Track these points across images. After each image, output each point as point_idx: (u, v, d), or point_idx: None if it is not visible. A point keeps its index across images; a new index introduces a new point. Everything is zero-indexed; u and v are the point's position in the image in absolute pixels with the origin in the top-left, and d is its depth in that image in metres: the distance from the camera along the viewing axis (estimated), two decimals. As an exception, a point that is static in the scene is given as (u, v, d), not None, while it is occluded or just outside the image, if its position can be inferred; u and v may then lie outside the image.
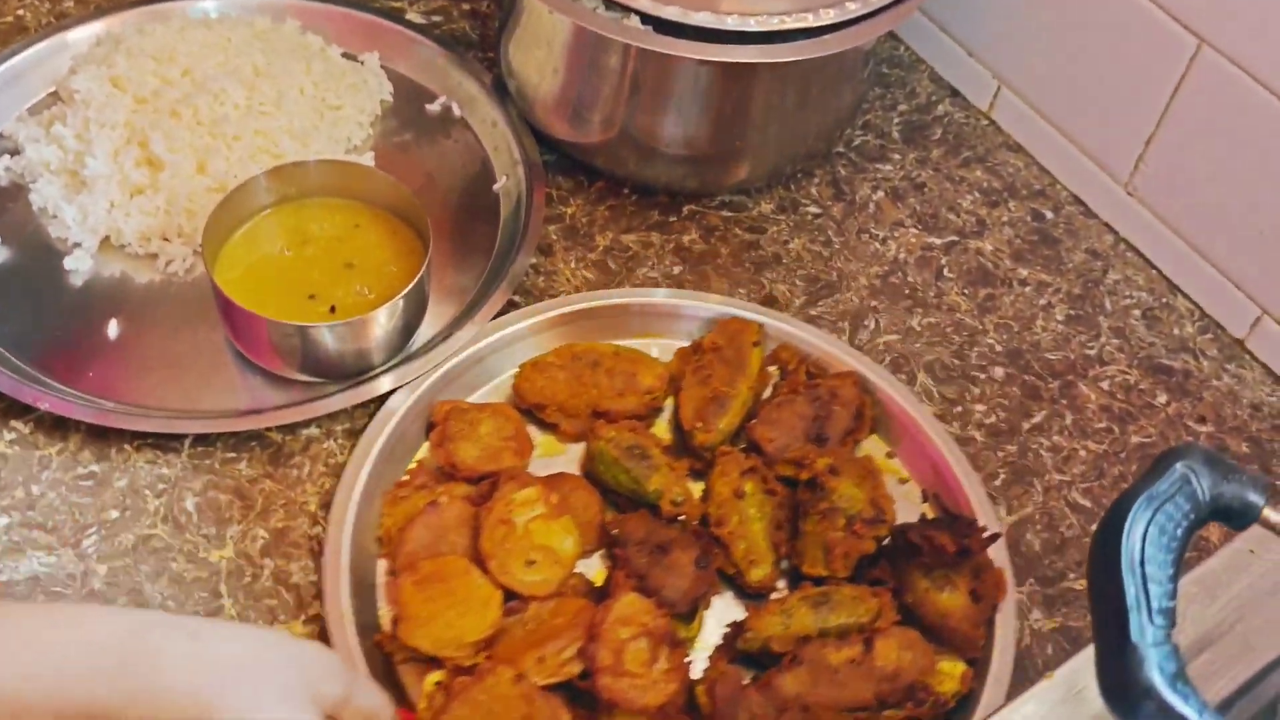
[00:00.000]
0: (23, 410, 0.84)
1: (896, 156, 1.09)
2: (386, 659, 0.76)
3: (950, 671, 0.76)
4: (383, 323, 0.85)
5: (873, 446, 0.88)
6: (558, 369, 0.88)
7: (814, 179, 1.06)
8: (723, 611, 0.80)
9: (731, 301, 0.94)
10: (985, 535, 0.77)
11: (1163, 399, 0.95)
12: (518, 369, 0.89)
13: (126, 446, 0.84)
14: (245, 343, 0.87)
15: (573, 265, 0.98)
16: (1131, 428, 0.93)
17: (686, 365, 0.89)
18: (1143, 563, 0.44)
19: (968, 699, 0.76)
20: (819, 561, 0.79)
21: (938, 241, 1.03)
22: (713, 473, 0.83)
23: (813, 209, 1.05)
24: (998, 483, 0.89)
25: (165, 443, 0.84)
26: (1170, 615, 0.44)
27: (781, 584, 0.82)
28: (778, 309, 0.97)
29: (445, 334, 0.90)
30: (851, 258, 1.01)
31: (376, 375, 0.87)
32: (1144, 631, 0.43)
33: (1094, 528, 0.48)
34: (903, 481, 0.87)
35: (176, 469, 0.83)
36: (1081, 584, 0.84)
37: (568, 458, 0.87)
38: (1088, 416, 0.94)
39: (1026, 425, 0.93)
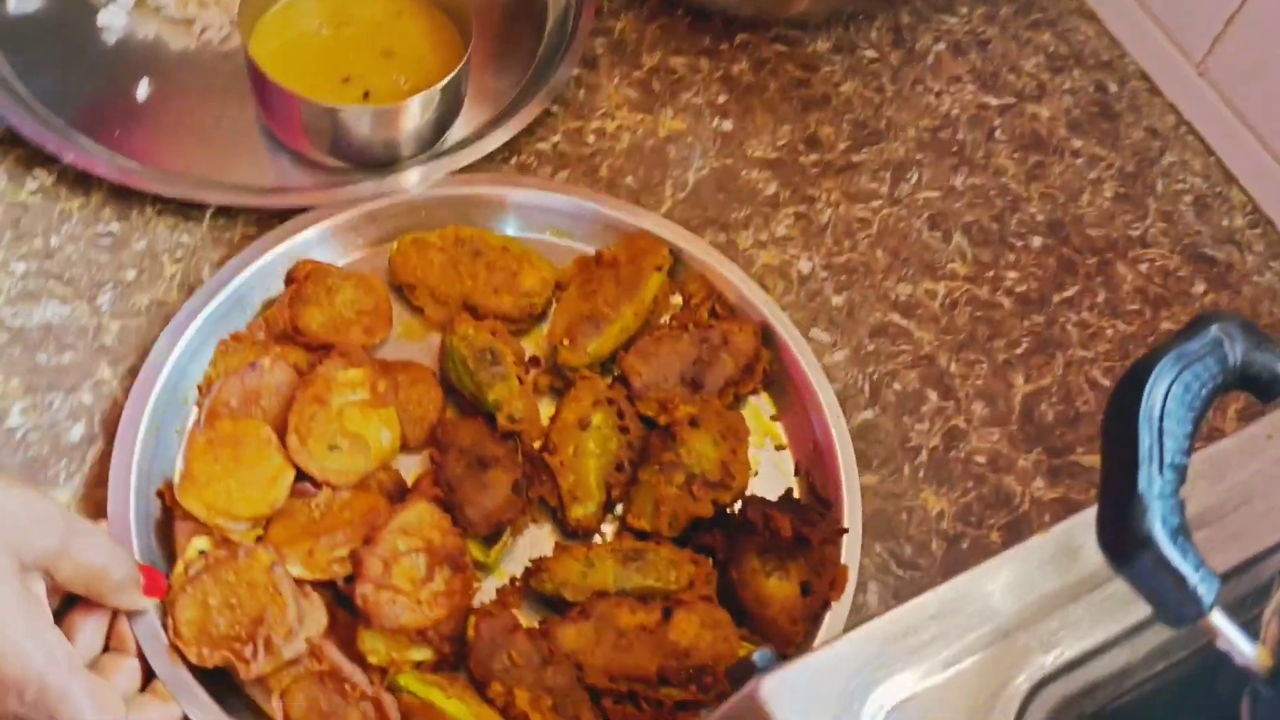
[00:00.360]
0: (47, 160, 0.83)
1: (964, 10, 1.05)
2: (167, 514, 0.72)
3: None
4: (416, 114, 0.83)
5: (759, 405, 0.82)
6: (437, 250, 0.81)
7: (875, 23, 1.02)
8: (537, 546, 0.75)
9: (655, 219, 0.85)
10: (829, 528, 0.72)
11: (1200, 288, 0.93)
12: (395, 242, 0.82)
13: (148, 209, 0.83)
14: (275, 120, 0.85)
15: (616, 82, 0.95)
16: (1164, 313, 0.91)
17: (578, 276, 0.82)
18: (1162, 417, 0.43)
19: None
20: (645, 515, 0.73)
21: (994, 102, 1.00)
22: (565, 396, 0.77)
23: (869, 53, 1.01)
24: (1019, 351, 0.88)
25: (187, 210, 0.83)
26: (1181, 472, 0.43)
27: (608, 529, 0.76)
28: (820, 151, 0.94)
29: (477, 135, 0.88)
30: (903, 108, 0.98)
31: (403, 168, 0.85)
32: (1151, 483, 0.42)
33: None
34: (780, 448, 0.81)
35: (196, 238, 0.82)
36: (1089, 459, 0.84)
37: (427, 346, 0.80)
38: (1121, 297, 0.91)
39: (1057, 298, 0.91)
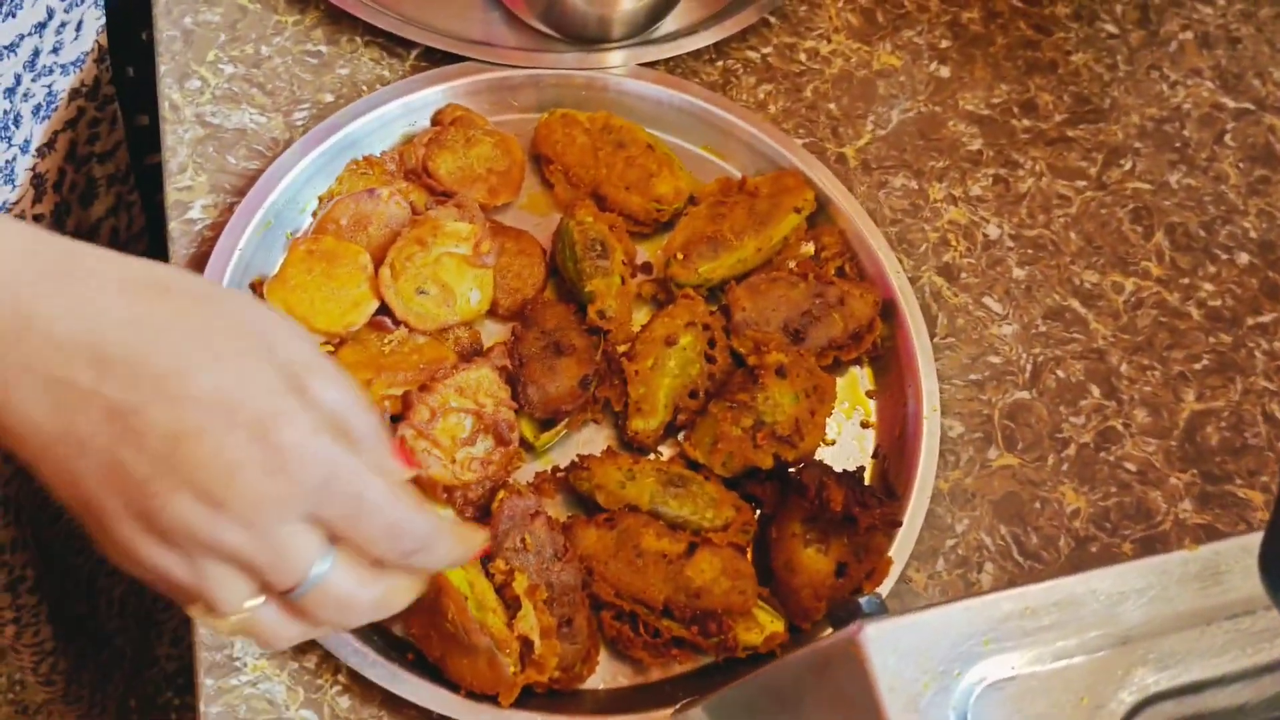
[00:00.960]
0: (272, -28, 0.84)
1: (1221, 1, 0.98)
2: None
3: (764, 624, 0.68)
4: (635, -6, 0.81)
5: (859, 376, 0.78)
6: (583, 130, 0.79)
7: (1123, -3, 0.97)
8: (590, 445, 0.73)
9: (814, 163, 0.81)
10: (883, 516, 0.68)
11: None
12: (546, 113, 0.81)
13: (357, 38, 0.84)
14: (495, -26, 0.85)
15: (840, 4, 0.92)
16: (1363, 361, 0.85)
17: (714, 194, 0.79)
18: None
19: (762, 660, 0.67)
20: (702, 447, 0.71)
21: (1230, 104, 0.94)
22: (663, 309, 0.75)
23: (1110, 27, 0.95)
24: (1197, 366, 0.83)
25: (393, 48, 0.84)
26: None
27: (666, 451, 0.74)
28: (1035, 117, 0.90)
29: (689, 30, 0.87)
30: (1132, 91, 0.93)
31: (610, 49, 0.84)
32: (1335, 514, 0.39)
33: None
34: (865, 425, 0.77)
35: (397, 76, 0.83)
36: (1246, 492, 0.79)
37: (548, 223, 0.78)
38: (1320, 335, 0.86)
39: (1251, 321, 0.86)
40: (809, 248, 0.80)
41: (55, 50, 0.73)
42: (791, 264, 0.79)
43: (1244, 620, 0.53)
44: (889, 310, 0.78)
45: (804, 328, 0.75)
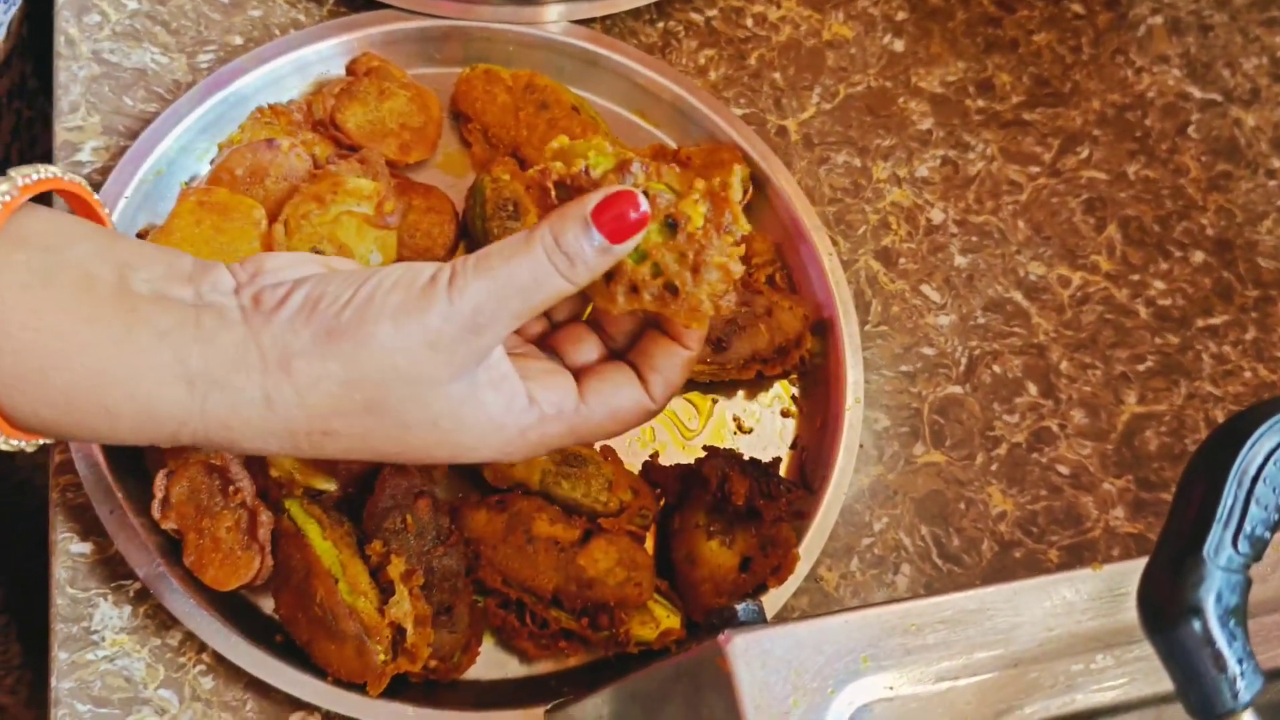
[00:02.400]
0: (187, -96, 0.79)
1: (1196, -14, 0.94)
2: None
3: (660, 619, 0.65)
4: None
5: (783, 386, 0.74)
6: (505, 89, 0.75)
7: (1093, -24, 0.92)
8: None
9: (754, 139, 0.77)
10: (789, 508, 0.65)
11: (1365, 355, 0.83)
12: (467, 69, 0.76)
13: (274, -20, 0.79)
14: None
15: (793, -31, 0.87)
16: (1315, 370, 0.82)
17: (643, 161, 0.74)
18: (1256, 479, 0.36)
19: (656, 657, 0.64)
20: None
21: (1197, 94, 0.90)
22: None
23: (1077, 7, 0.91)
24: (1140, 368, 0.79)
25: (313, -9, 0.79)
26: (1259, 548, 0.36)
27: None
28: (991, 98, 0.86)
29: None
30: (1095, 76, 0.89)
31: (544, 2, 0.79)
32: (1220, 550, 0.35)
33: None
34: (785, 415, 0.73)
35: (313, 20, 0.78)
36: (1180, 503, 0.76)
37: (463, 184, 0.74)
38: (1272, 340, 0.82)
39: (1201, 323, 0.82)
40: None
41: None
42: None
43: (1143, 647, 0.49)
44: (823, 326, 0.74)
45: (727, 337, 0.71)
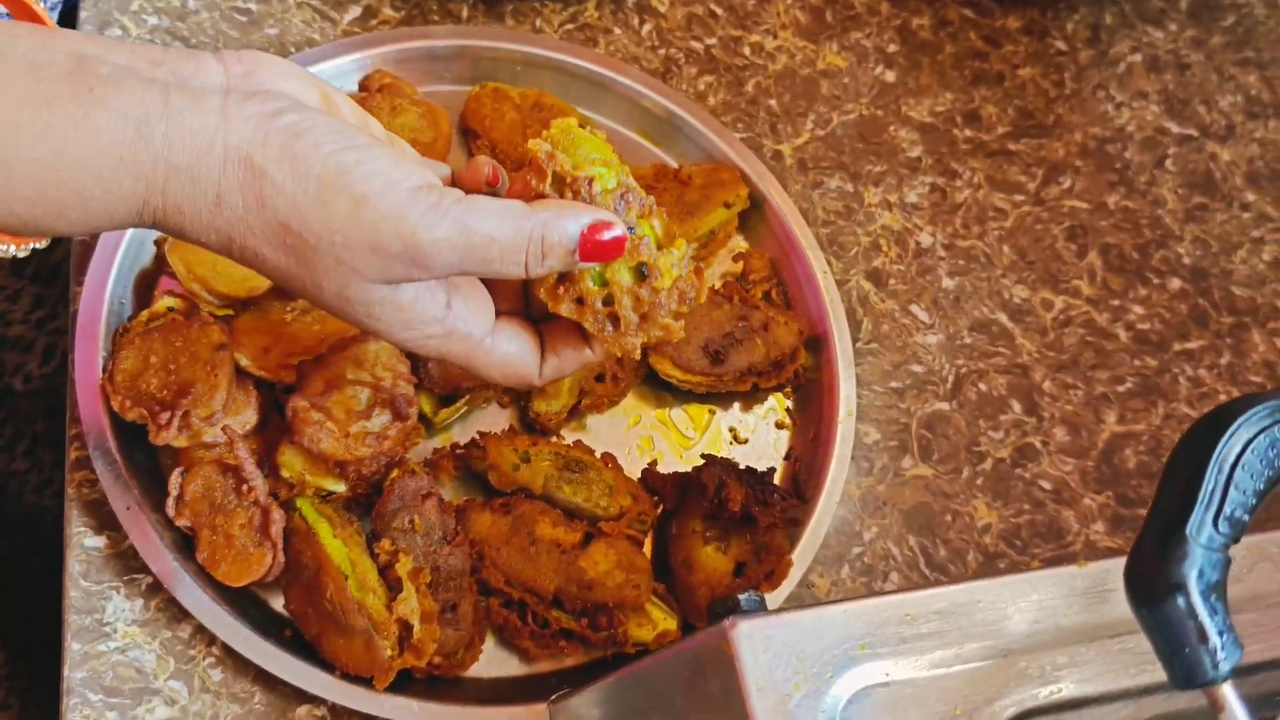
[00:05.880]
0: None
1: (1173, 26, 0.98)
2: (156, 268, 0.71)
3: (657, 621, 0.66)
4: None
5: (778, 398, 0.77)
6: (513, 106, 0.77)
7: (1075, 14, 0.96)
8: (492, 424, 0.71)
9: (754, 162, 0.79)
10: (783, 515, 0.67)
11: (1334, 380, 0.86)
12: (477, 86, 0.79)
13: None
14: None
15: (789, 0, 0.91)
16: (1287, 394, 0.85)
17: (646, 180, 0.77)
18: (1235, 465, 0.39)
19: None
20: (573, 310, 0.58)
21: (1174, 129, 0.93)
22: None
23: (1060, 44, 0.95)
24: (1120, 389, 0.82)
25: (328, 11, 0.82)
26: (1238, 529, 0.39)
27: (570, 437, 0.72)
28: (977, 128, 0.89)
29: (634, 17, 0.85)
30: (1077, 109, 0.92)
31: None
32: (1201, 529, 0.38)
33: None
34: (780, 427, 0.76)
35: (328, 38, 0.81)
36: (1159, 518, 0.78)
37: None
38: (1246, 365, 0.85)
39: (1178, 347, 0.85)
40: (739, 267, 0.79)
41: None
42: (718, 284, 0.77)
43: (1129, 640, 0.52)
44: (817, 342, 0.76)
45: (724, 350, 0.74)
